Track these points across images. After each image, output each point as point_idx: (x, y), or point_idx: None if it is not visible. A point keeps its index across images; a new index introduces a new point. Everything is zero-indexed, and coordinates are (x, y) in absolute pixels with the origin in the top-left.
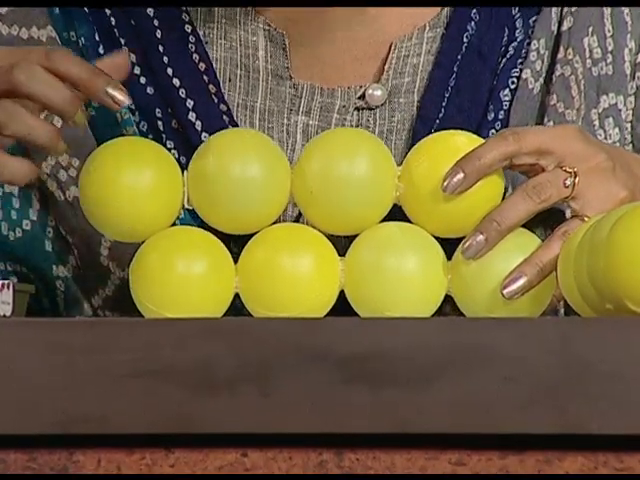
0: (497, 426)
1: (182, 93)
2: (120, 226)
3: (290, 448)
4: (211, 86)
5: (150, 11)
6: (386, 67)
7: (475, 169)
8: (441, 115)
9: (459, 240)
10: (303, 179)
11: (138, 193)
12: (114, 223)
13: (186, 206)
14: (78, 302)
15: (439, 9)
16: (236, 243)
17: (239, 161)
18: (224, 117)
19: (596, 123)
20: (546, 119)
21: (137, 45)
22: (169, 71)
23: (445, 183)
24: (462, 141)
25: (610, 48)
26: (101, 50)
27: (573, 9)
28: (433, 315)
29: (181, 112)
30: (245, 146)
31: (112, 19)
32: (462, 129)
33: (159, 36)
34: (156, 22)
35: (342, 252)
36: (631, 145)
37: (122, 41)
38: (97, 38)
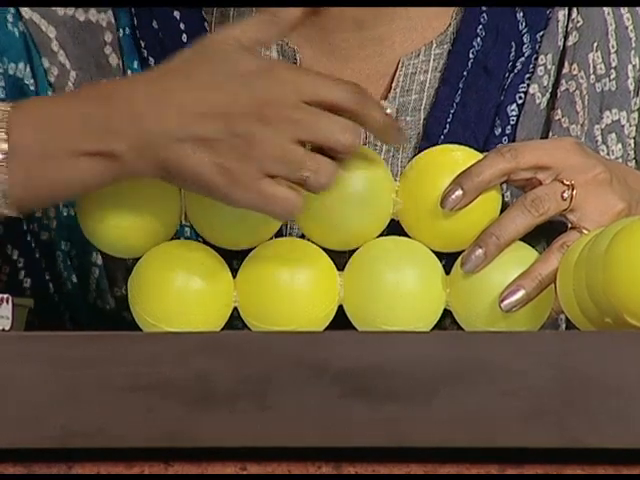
0: (496, 440)
1: None
2: (117, 241)
3: (289, 462)
4: None
5: (177, 15)
6: (393, 85)
7: (474, 186)
8: (445, 131)
9: (457, 254)
10: None
11: (135, 209)
12: (111, 238)
13: (183, 222)
14: (105, 293)
15: (446, 25)
16: (235, 257)
17: None
18: None
19: (599, 139)
20: (551, 134)
21: (160, 49)
22: None
23: (444, 200)
24: (460, 156)
25: (614, 64)
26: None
27: (578, 24)
28: (432, 329)
29: None
30: None
31: (134, 19)
32: (468, 144)
33: (185, 40)
34: (182, 26)
35: (341, 267)
36: (634, 161)
37: (142, 43)
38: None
